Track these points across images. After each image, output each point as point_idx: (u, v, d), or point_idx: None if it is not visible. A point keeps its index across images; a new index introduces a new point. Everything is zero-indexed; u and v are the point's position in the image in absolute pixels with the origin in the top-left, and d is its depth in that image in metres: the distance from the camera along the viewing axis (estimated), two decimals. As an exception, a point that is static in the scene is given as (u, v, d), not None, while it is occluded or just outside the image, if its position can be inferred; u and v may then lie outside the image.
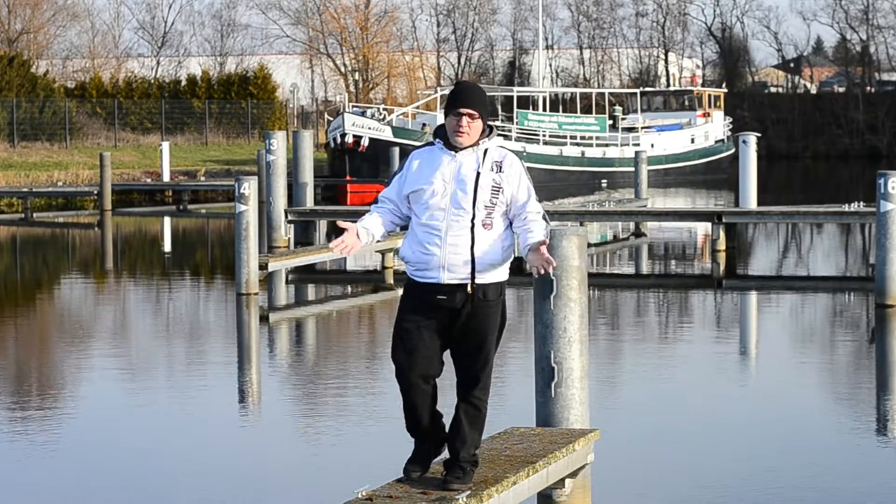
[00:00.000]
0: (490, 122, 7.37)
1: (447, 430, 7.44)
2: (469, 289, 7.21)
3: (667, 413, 12.52)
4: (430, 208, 7.23)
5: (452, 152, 7.28)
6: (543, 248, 7.27)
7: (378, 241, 7.67)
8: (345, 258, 25.79)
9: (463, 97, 7.27)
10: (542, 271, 7.32)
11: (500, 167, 7.28)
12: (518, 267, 7.72)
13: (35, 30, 76.61)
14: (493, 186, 7.24)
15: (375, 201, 7.48)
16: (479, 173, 7.23)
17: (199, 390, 14.10)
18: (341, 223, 7.50)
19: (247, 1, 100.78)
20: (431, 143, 7.40)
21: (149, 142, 62.06)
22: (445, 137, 7.34)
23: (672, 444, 11.26)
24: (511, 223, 7.38)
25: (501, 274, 7.37)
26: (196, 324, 19.51)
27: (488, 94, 65.25)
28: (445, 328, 7.27)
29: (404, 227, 7.55)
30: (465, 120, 7.24)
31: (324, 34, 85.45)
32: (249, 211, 20.86)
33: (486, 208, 7.22)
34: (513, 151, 7.42)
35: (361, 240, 7.37)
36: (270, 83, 72.64)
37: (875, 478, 10.13)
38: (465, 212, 7.21)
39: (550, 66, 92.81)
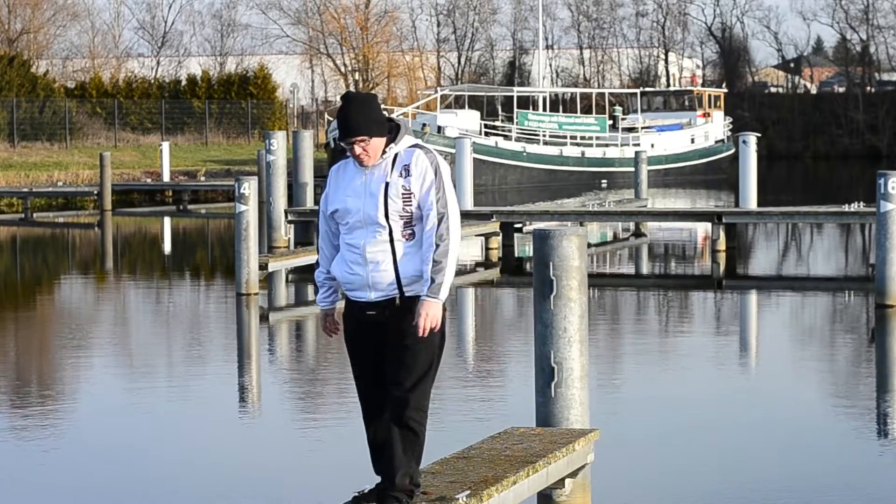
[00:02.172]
0: (395, 123, 6.93)
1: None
2: (397, 301, 6.86)
3: (667, 413, 12.52)
4: (348, 227, 6.88)
5: (364, 166, 6.89)
6: (425, 310, 6.76)
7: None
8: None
9: (347, 126, 6.81)
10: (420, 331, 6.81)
11: (408, 170, 6.83)
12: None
13: (35, 30, 76.64)
14: (402, 194, 6.81)
15: (317, 233, 7.05)
16: (387, 183, 6.80)
17: (199, 390, 14.10)
18: (331, 327, 7.09)
19: (247, 1, 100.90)
20: (348, 156, 6.98)
21: (149, 142, 62.07)
22: None
23: (672, 444, 11.26)
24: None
25: None
26: (196, 324, 19.51)
27: (488, 94, 65.66)
28: (380, 340, 6.92)
29: None
30: (357, 148, 6.81)
31: (324, 34, 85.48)
32: (249, 211, 20.86)
33: (401, 218, 6.81)
34: (424, 148, 6.91)
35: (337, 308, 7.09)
36: (270, 83, 72.67)
37: (875, 477, 10.12)
38: (382, 227, 6.81)
39: (550, 66, 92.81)
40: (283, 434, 11.90)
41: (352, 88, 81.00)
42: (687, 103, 67.18)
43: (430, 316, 6.80)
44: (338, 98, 73.19)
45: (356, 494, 7.15)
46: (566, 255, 8.72)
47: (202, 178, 53.54)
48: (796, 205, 30.83)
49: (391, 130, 6.89)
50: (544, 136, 59.46)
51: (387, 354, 6.91)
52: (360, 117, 6.81)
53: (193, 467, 10.77)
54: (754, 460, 10.53)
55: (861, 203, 26.50)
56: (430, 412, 7.09)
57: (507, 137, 57.71)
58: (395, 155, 6.87)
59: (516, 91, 63.51)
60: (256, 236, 21.19)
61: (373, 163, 6.85)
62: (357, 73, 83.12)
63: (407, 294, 6.86)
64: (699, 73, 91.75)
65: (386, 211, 6.80)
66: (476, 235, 27.82)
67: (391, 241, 6.83)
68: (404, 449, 6.89)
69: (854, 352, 16.39)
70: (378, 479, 7.11)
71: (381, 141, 6.85)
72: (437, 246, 6.81)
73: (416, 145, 6.92)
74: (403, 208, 6.82)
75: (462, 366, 15.04)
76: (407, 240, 6.86)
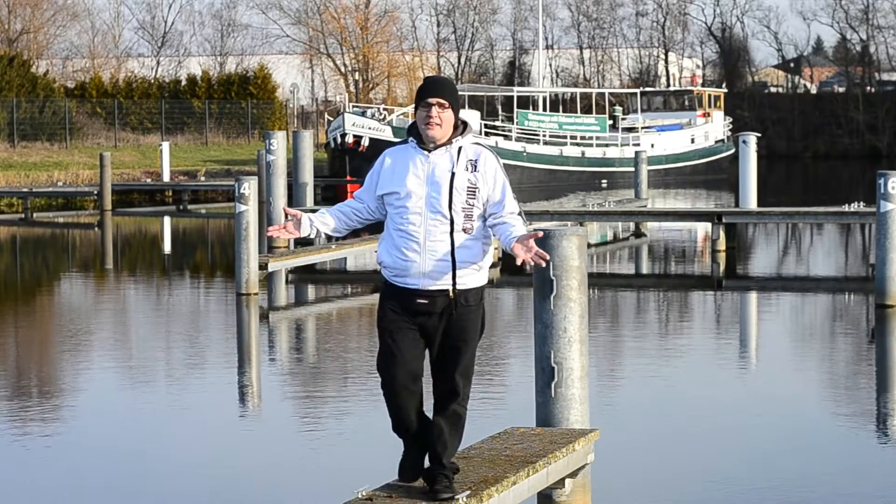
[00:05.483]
0: (463, 119, 7.06)
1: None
2: (451, 294, 6.95)
3: (667, 413, 12.52)
4: (405, 213, 6.93)
5: (426, 152, 6.96)
6: (531, 242, 6.86)
7: (316, 237, 7.48)
8: (345, 258, 25.80)
9: (431, 88, 6.96)
10: (533, 263, 6.95)
11: (475, 166, 6.95)
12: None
13: (35, 30, 76.63)
14: (468, 187, 6.92)
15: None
16: (453, 174, 6.92)
17: (199, 390, 14.10)
18: (289, 210, 7.24)
19: (247, 1, 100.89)
20: (405, 141, 7.08)
21: (149, 142, 62.06)
22: (419, 136, 7.01)
23: (672, 444, 11.26)
24: (485, 221, 7.06)
25: (482, 278, 7.09)
26: (196, 324, 19.51)
27: (488, 94, 65.67)
28: (426, 330, 7.02)
29: (377, 229, 7.41)
30: (434, 110, 6.89)
31: (324, 34, 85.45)
32: (249, 211, 20.87)
33: (463, 210, 6.91)
34: (488, 148, 7.08)
35: (302, 231, 7.14)
36: (270, 83, 72.65)
37: (876, 478, 10.12)
38: (443, 216, 6.90)
39: (550, 66, 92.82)
40: (283, 434, 11.90)
41: (352, 88, 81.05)
42: (687, 103, 67.20)
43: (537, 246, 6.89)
44: (338, 98, 73.20)
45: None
46: (566, 255, 8.72)
47: (202, 178, 53.53)
48: (796, 205, 30.82)
49: (457, 126, 7.01)
50: (544, 136, 59.48)
51: (440, 346, 7.05)
52: (445, 86, 7.01)
53: (193, 467, 10.76)
54: (754, 460, 10.53)
55: (861, 203, 26.50)
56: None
57: (507, 137, 57.70)
58: (460, 148, 6.99)
59: (516, 91, 63.53)
60: (256, 236, 21.19)
61: (438, 136, 6.94)
62: (357, 73, 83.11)
63: (459, 287, 6.98)
64: (699, 73, 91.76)
65: (450, 200, 6.91)
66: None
67: (451, 231, 6.93)
68: (450, 433, 7.12)
69: (854, 352, 16.39)
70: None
71: (452, 121, 6.98)
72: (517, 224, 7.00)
73: (477, 143, 7.08)
74: (467, 201, 6.94)
75: (462, 366, 15.03)
76: (466, 233, 6.96)
